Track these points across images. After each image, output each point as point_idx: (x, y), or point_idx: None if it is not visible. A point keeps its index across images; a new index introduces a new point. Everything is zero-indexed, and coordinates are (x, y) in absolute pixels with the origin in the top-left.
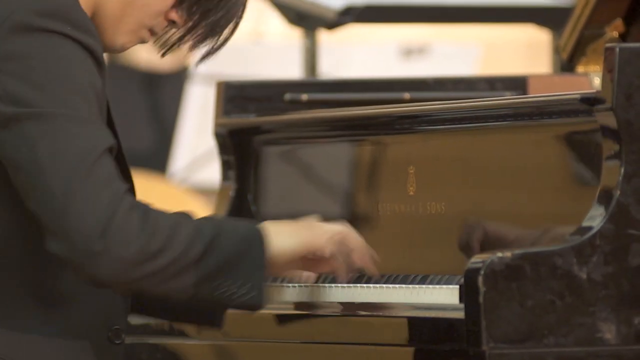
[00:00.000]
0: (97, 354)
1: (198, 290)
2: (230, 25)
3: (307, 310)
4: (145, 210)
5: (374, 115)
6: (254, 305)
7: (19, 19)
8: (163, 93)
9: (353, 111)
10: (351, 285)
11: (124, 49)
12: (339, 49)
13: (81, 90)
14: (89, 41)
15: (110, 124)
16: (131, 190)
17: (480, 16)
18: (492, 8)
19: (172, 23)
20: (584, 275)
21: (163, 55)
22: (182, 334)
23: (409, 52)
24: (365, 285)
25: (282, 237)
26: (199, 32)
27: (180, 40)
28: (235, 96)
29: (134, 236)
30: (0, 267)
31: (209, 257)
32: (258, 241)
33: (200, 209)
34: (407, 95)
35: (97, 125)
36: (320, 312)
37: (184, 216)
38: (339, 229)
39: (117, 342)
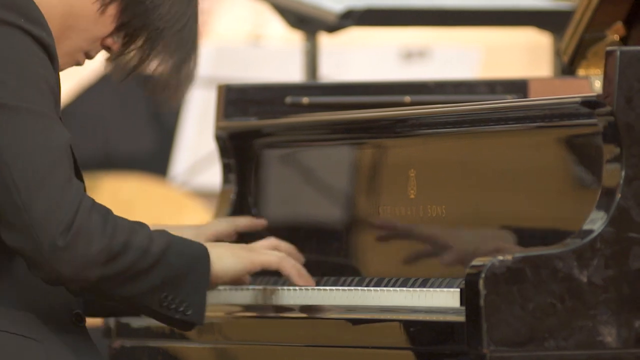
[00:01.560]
0: (66, 331)
1: (143, 300)
2: (186, 59)
3: (308, 314)
4: (105, 211)
5: (374, 118)
6: (192, 323)
7: None
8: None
9: (354, 114)
10: (352, 288)
11: (60, 70)
12: (340, 52)
13: (37, 83)
14: (42, 35)
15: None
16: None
17: (481, 19)
18: (492, 11)
19: (107, 49)
20: (584, 279)
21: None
22: (182, 337)
23: (410, 55)
24: (366, 288)
25: (224, 258)
26: (156, 56)
27: (134, 64)
28: (236, 99)
29: (95, 235)
30: None
31: (159, 268)
32: (203, 260)
33: (201, 212)
34: (407, 99)
35: (55, 120)
36: (321, 315)
37: (140, 225)
38: (270, 243)
39: (81, 324)
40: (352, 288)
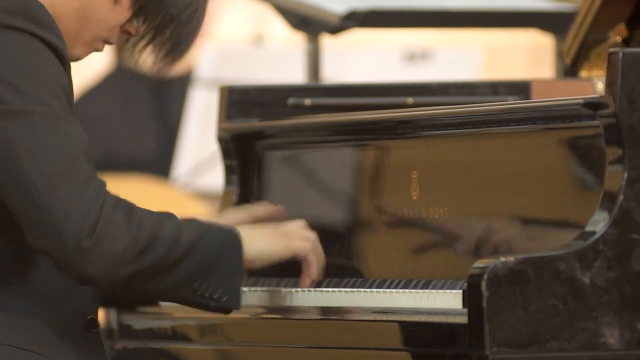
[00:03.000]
0: (76, 340)
1: (178, 292)
2: (193, 36)
3: (310, 315)
4: (130, 207)
5: (377, 120)
6: (229, 308)
7: None
8: (167, 97)
9: (356, 116)
10: (354, 289)
11: (78, 59)
12: (342, 54)
13: (51, 87)
14: (53, 39)
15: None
16: None
17: (484, 21)
18: (495, 13)
19: (128, 34)
20: (587, 280)
21: (136, 62)
22: (185, 339)
23: (412, 57)
24: (368, 290)
25: (258, 242)
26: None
27: (147, 48)
28: (238, 101)
29: (122, 233)
30: None
31: (190, 258)
32: (235, 246)
33: (204, 214)
34: (410, 100)
35: (71, 122)
36: (324, 316)
37: (167, 216)
38: (311, 235)
39: (94, 330)
40: (355, 289)
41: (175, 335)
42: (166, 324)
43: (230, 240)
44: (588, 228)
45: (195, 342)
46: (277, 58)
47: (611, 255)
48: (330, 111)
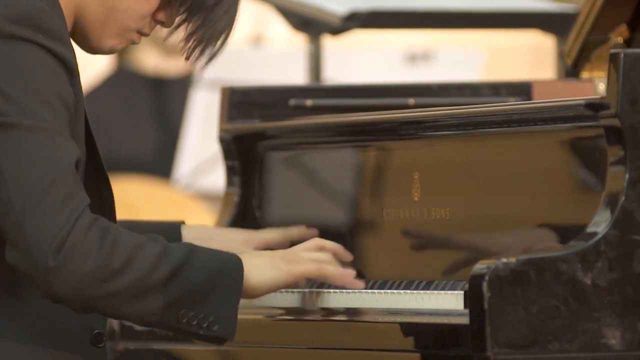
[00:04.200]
0: (81, 357)
1: (162, 318)
2: (227, 27)
3: (311, 316)
4: (105, 228)
5: (378, 120)
6: (220, 338)
7: None
8: (169, 98)
9: (357, 117)
10: (356, 291)
11: (113, 51)
12: (344, 55)
13: (48, 100)
14: (60, 49)
15: (88, 132)
16: (106, 200)
17: (485, 22)
18: (496, 14)
19: (161, 23)
20: (588, 281)
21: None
22: (186, 340)
23: (414, 58)
24: (370, 290)
25: (262, 269)
26: (196, 33)
27: (184, 42)
28: (239, 102)
29: (90, 254)
30: None
31: (174, 284)
32: (234, 274)
33: (205, 215)
34: (411, 101)
35: (63, 138)
36: (325, 317)
37: (152, 239)
38: (321, 256)
39: (100, 345)
40: (356, 290)
41: (177, 336)
42: None
43: (227, 266)
44: (589, 229)
45: (197, 343)
46: (278, 59)
47: (613, 256)
48: (331, 112)
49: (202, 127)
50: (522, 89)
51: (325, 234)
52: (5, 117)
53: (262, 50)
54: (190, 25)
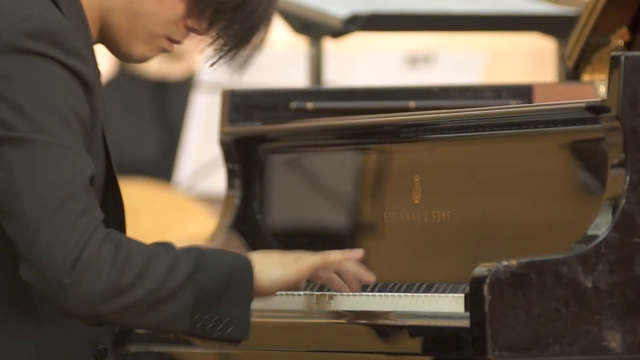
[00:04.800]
0: None
1: (177, 324)
2: (260, 29)
3: (312, 319)
4: (118, 243)
5: (379, 123)
6: (235, 339)
7: (7, 39)
8: (170, 101)
9: (358, 119)
10: (356, 294)
11: (144, 58)
12: (345, 58)
13: (63, 116)
14: (77, 65)
15: (105, 146)
16: (118, 214)
17: (486, 25)
18: (497, 16)
19: (193, 30)
20: (589, 284)
21: (212, 65)
22: (187, 343)
23: (415, 61)
24: (370, 293)
25: (272, 268)
26: (226, 39)
27: (217, 49)
28: (240, 104)
29: (104, 270)
30: None
31: (186, 291)
32: (244, 275)
33: (206, 218)
34: (412, 104)
35: (78, 153)
36: (326, 320)
37: (163, 248)
38: (320, 256)
39: None
40: (357, 293)
41: (178, 338)
42: None
43: (237, 267)
44: (590, 232)
45: (198, 345)
46: (279, 62)
47: (613, 259)
48: (332, 115)
49: (203, 130)
50: (523, 92)
51: (325, 236)
52: (20, 133)
53: (263, 53)
54: (218, 29)
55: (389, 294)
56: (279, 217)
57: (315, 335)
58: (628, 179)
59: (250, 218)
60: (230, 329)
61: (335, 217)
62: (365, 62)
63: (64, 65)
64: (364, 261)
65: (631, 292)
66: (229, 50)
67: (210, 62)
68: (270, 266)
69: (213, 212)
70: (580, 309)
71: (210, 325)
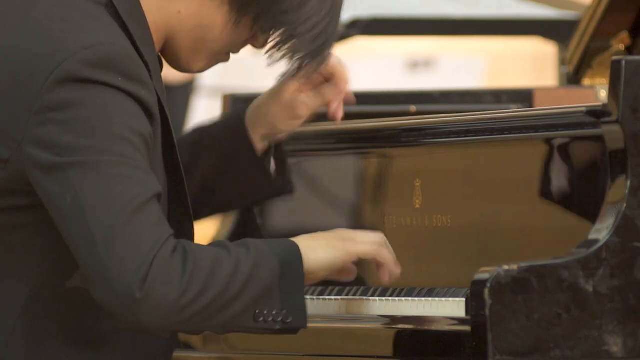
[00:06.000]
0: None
1: (239, 322)
2: (328, 48)
3: (312, 323)
4: (185, 252)
5: (380, 127)
6: (295, 329)
7: (69, 69)
8: (171, 105)
9: (359, 124)
10: (357, 298)
11: (202, 70)
12: (345, 62)
13: (126, 137)
14: (139, 92)
15: (175, 162)
16: (187, 231)
17: (486, 29)
18: (498, 21)
19: (252, 45)
20: (590, 288)
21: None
22: (187, 347)
23: (415, 65)
24: (371, 298)
25: (319, 251)
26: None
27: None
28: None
29: (174, 282)
30: (39, 311)
31: (249, 289)
32: (294, 263)
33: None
34: (413, 108)
35: (142, 172)
36: (325, 324)
37: (224, 250)
38: (377, 237)
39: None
40: (357, 297)
41: (178, 343)
42: None
43: (289, 256)
44: (591, 236)
45: (199, 350)
46: (280, 66)
47: (614, 263)
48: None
49: None
50: (523, 96)
51: None
52: (84, 157)
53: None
54: (279, 42)
55: (390, 298)
56: (279, 221)
57: (315, 339)
58: (629, 183)
59: (251, 222)
60: (290, 319)
61: (336, 222)
62: (366, 67)
63: (126, 93)
64: (365, 266)
65: (632, 296)
66: (295, 65)
67: (280, 76)
68: (317, 249)
69: (214, 216)
70: (581, 313)
71: (271, 318)
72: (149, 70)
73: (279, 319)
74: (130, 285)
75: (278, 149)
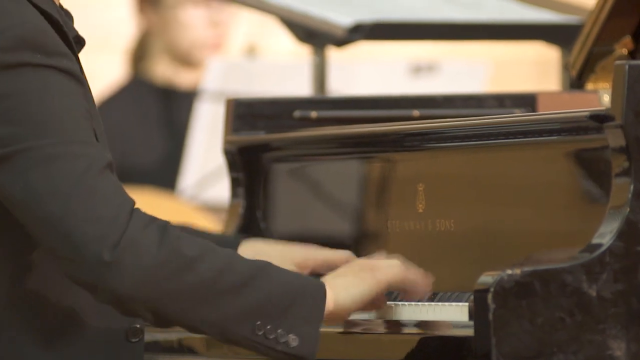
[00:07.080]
0: (114, 354)
1: (237, 327)
2: None
3: None
4: (164, 227)
5: (383, 132)
6: (300, 356)
7: None
8: (174, 110)
9: (362, 128)
10: None
11: None
12: (348, 66)
13: (62, 114)
14: (61, 63)
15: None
16: None
17: (489, 33)
18: (501, 25)
19: None
20: (593, 293)
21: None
22: (191, 351)
23: (418, 70)
24: None
25: (350, 288)
26: None
27: None
28: (244, 113)
29: (152, 247)
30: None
31: (250, 290)
32: (315, 295)
33: (210, 226)
34: (416, 113)
35: (88, 145)
36: (327, 329)
37: (217, 246)
38: (396, 261)
39: (135, 340)
40: None
41: (182, 348)
42: (172, 336)
43: (311, 287)
44: (594, 240)
45: (202, 354)
46: (283, 70)
47: (618, 267)
48: (336, 124)
49: (207, 138)
50: (526, 101)
51: (329, 245)
52: (26, 143)
53: (266, 62)
54: None
55: (392, 302)
56: (282, 226)
57: None
58: (632, 187)
59: (254, 227)
60: (295, 344)
61: (339, 226)
62: (369, 71)
63: (50, 67)
64: None
65: (636, 300)
66: None
67: None
68: (348, 286)
69: (217, 220)
70: (584, 318)
71: (273, 336)
72: (64, 32)
73: (283, 340)
74: (96, 249)
75: None
